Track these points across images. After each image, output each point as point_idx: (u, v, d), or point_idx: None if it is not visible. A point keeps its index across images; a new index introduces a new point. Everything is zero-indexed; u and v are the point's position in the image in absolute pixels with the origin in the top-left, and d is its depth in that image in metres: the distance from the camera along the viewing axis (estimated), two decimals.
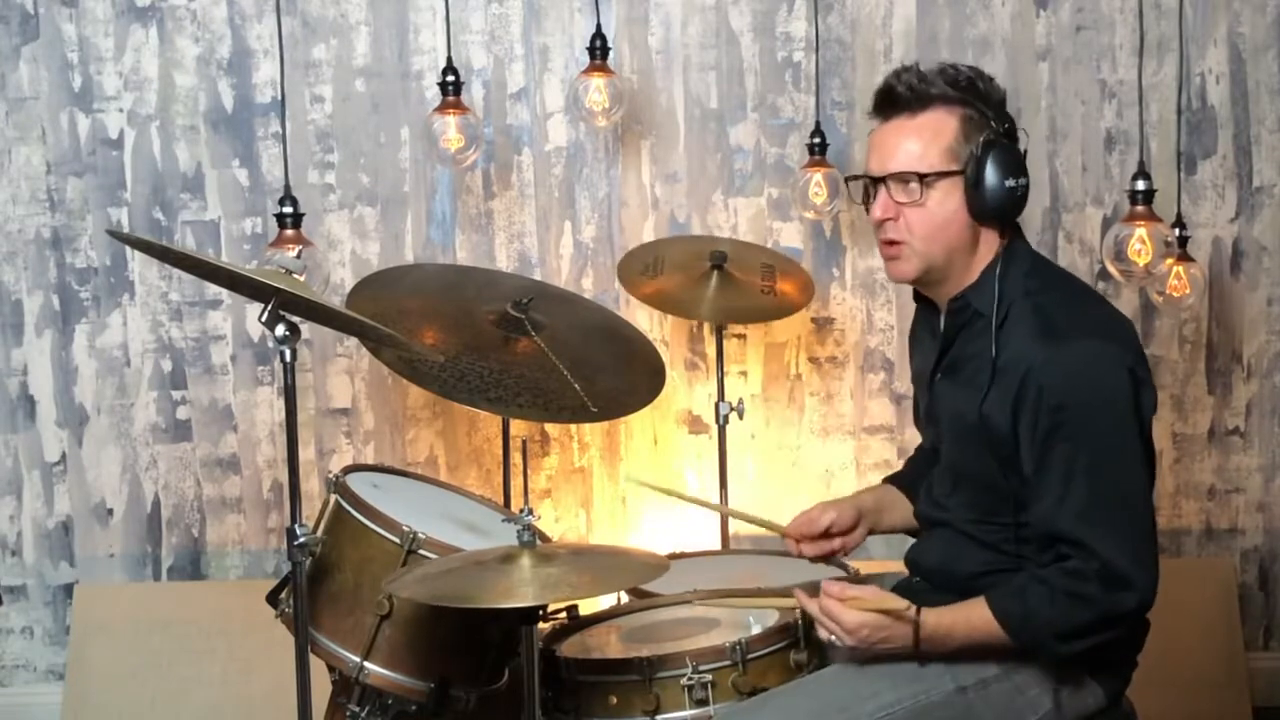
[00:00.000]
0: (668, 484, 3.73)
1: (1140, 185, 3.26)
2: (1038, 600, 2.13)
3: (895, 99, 2.23)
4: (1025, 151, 2.24)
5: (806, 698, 2.24)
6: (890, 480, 2.60)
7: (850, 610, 2.18)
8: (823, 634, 2.23)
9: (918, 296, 2.38)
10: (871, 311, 3.74)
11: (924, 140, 2.21)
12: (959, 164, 2.20)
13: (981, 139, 2.19)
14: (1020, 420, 2.15)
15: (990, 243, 2.24)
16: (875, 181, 2.25)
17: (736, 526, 3.49)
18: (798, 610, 2.43)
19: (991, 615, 2.15)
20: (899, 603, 2.18)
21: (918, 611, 2.16)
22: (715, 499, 3.48)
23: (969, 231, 2.22)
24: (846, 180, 2.35)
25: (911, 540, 2.50)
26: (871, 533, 2.56)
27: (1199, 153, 3.67)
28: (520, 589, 2.23)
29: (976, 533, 2.25)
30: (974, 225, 2.22)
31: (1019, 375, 2.14)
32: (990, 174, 2.18)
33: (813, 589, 2.25)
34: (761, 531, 2.97)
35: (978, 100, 2.21)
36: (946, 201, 2.21)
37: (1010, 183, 2.18)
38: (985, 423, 2.19)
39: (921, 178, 2.20)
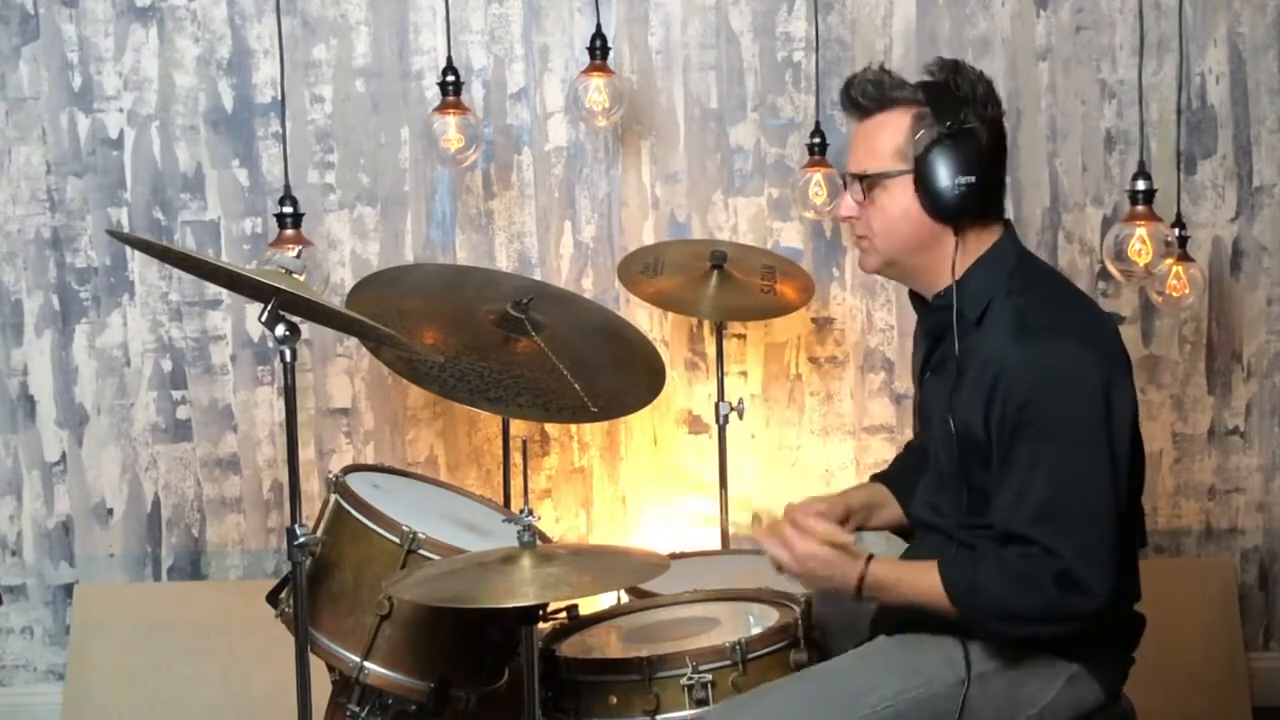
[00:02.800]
0: (667, 482, 3.75)
1: (1140, 185, 3.26)
2: (987, 576, 2.13)
3: (853, 102, 2.27)
4: (997, 143, 2.22)
5: (807, 690, 2.25)
6: (878, 478, 2.61)
7: (803, 539, 2.22)
8: (771, 558, 2.26)
9: (913, 297, 2.38)
10: (871, 311, 3.74)
11: (877, 141, 2.24)
12: (907, 163, 2.21)
13: (927, 137, 2.19)
14: (990, 420, 2.16)
15: (950, 241, 2.23)
16: (845, 180, 2.31)
17: (736, 527, 3.50)
18: (798, 610, 2.44)
19: (939, 581, 2.15)
20: (850, 541, 2.22)
21: (868, 560, 2.19)
22: (715, 499, 3.49)
23: (926, 228, 2.23)
24: (840, 176, 2.38)
25: (901, 539, 2.51)
26: (861, 529, 2.57)
27: (1199, 153, 3.67)
28: (520, 589, 2.23)
29: (964, 538, 2.25)
30: (930, 223, 2.22)
31: (992, 374, 2.15)
32: (933, 173, 2.19)
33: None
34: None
35: (937, 98, 2.21)
36: (899, 200, 2.23)
37: (950, 182, 2.18)
38: (960, 422, 2.20)
39: (864, 179, 2.24)
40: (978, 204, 2.21)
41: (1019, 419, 2.12)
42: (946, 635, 2.23)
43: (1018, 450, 2.13)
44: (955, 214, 2.21)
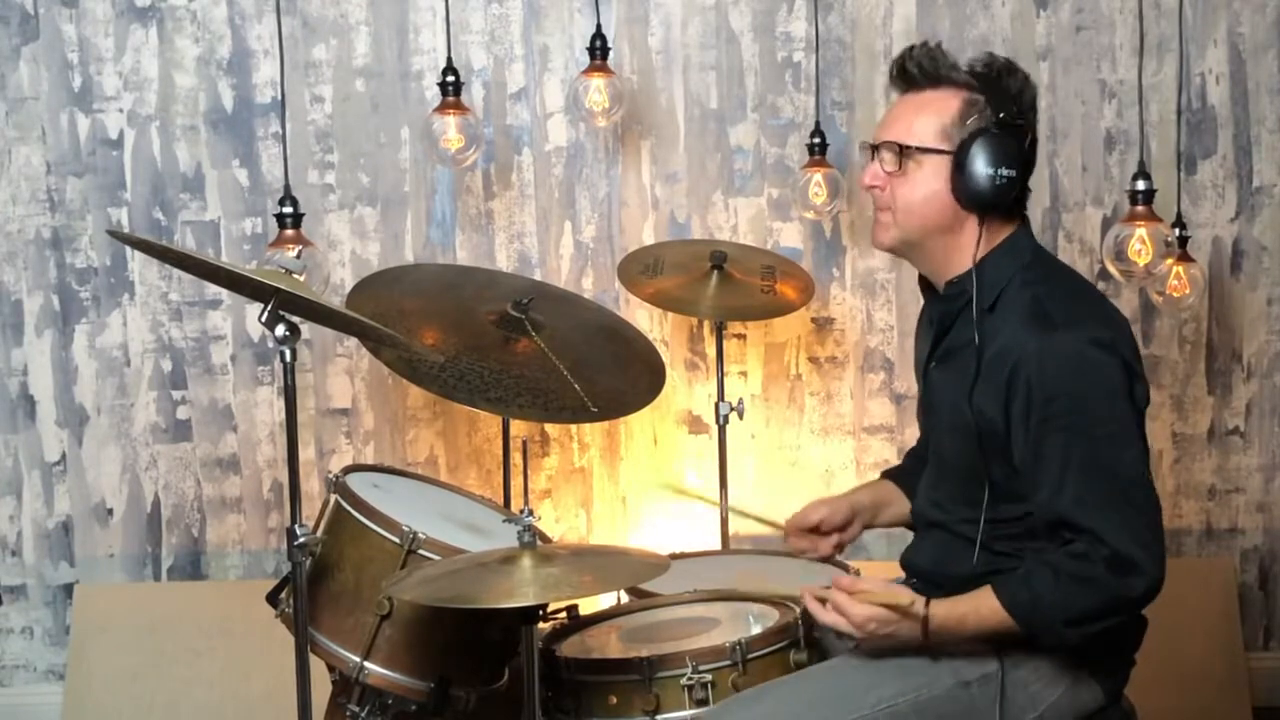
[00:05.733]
0: (668, 482, 3.75)
1: (1140, 185, 3.26)
2: (1044, 585, 2.12)
3: (906, 74, 2.26)
4: (1032, 148, 2.23)
5: (806, 689, 2.25)
6: (888, 475, 2.61)
7: (858, 604, 2.18)
8: (829, 624, 2.22)
9: (923, 284, 2.37)
10: (871, 311, 3.74)
11: (922, 116, 2.23)
12: (949, 145, 2.21)
13: (976, 124, 2.20)
14: (1011, 411, 2.15)
15: (973, 230, 2.23)
16: (873, 149, 2.28)
17: (737, 526, 3.50)
18: (798, 609, 2.44)
19: (999, 604, 2.14)
20: (907, 596, 2.18)
21: (926, 604, 2.16)
22: (715, 498, 3.48)
23: (950, 213, 2.23)
24: (861, 147, 2.36)
25: (911, 537, 2.51)
26: (869, 528, 2.57)
27: (1199, 153, 3.67)
28: (520, 589, 2.23)
29: (968, 532, 2.25)
30: (956, 208, 2.22)
31: (1009, 365, 2.14)
32: (975, 160, 2.18)
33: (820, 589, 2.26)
34: (763, 531, 2.97)
35: (989, 88, 2.21)
36: (931, 179, 2.22)
37: (992, 171, 2.18)
38: (975, 412, 2.19)
39: (903, 149, 2.23)
40: (1011, 199, 2.22)
41: (1046, 412, 2.12)
42: None
43: (1049, 443, 2.12)
44: (988, 205, 2.21)
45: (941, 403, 2.30)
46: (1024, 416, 2.13)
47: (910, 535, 2.51)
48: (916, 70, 2.24)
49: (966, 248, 2.24)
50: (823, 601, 2.22)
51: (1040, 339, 2.14)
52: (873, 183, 2.27)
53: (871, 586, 2.22)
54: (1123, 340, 2.19)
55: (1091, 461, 2.11)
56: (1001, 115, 2.20)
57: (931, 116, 2.22)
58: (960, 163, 2.19)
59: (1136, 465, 2.14)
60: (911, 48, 2.26)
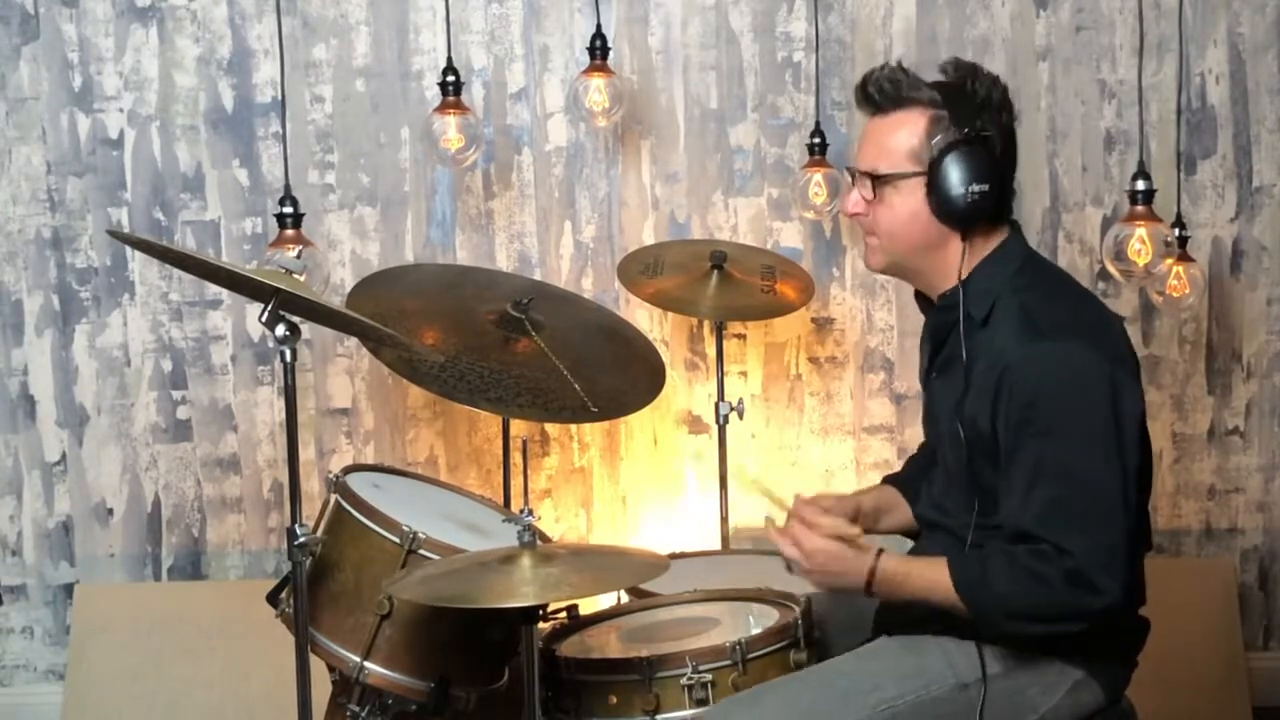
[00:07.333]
0: (667, 482, 3.75)
1: (1140, 185, 3.26)
2: (996, 571, 2.12)
3: (869, 98, 2.25)
4: (1001, 156, 2.21)
5: (806, 689, 2.25)
6: (889, 480, 2.61)
7: (813, 535, 2.21)
8: (783, 552, 2.25)
9: (919, 297, 2.38)
10: (871, 311, 3.74)
11: (890, 139, 2.23)
12: (920, 166, 2.20)
13: (942, 142, 2.19)
14: (997, 418, 2.15)
15: (957, 245, 2.23)
16: (854, 175, 2.29)
17: (737, 525, 3.50)
18: (798, 609, 2.44)
19: (949, 577, 2.14)
20: (858, 534, 2.22)
21: (878, 554, 2.18)
22: (715, 498, 3.49)
23: (934, 231, 2.23)
24: (847, 170, 2.37)
25: (911, 541, 2.51)
26: (869, 532, 2.57)
27: (1199, 153, 3.67)
28: (520, 589, 2.23)
29: (971, 536, 2.25)
30: (939, 226, 2.22)
31: (997, 373, 2.15)
32: (946, 178, 2.18)
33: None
34: (762, 531, 2.95)
35: (954, 101, 2.20)
36: (908, 201, 2.22)
37: (963, 189, 2.17)
38: (968, 421, 2.19)
39: (876, 178, 2.23)
40: (989, 211, 2.21)
41: (1024, 417, 2.12)
42: (949, 637, 2.23)
43: (1023, 449, 2.12)
44: (966, 220, 2.21)
45: (941, 412, 2.31)
46: (1006, 423, 2.14)
47: (906, 542, 2.52)
48: (878, 94, 2.23)
49: (954, 262, 2.24)
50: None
51: (1026, 347, 2.14)
52: (855, 210, 2.28)
53: (829, 523, 2.25)
54: (1112, 350, 2.18)
55: (1062, 474, 2.10)
56: (966, 130, 2.18)
57: (901, 139, 2.22)
58: (933, 182, 2.19)
59: (1110, 482, 2.11)
60: (871, 72, 2.26)
